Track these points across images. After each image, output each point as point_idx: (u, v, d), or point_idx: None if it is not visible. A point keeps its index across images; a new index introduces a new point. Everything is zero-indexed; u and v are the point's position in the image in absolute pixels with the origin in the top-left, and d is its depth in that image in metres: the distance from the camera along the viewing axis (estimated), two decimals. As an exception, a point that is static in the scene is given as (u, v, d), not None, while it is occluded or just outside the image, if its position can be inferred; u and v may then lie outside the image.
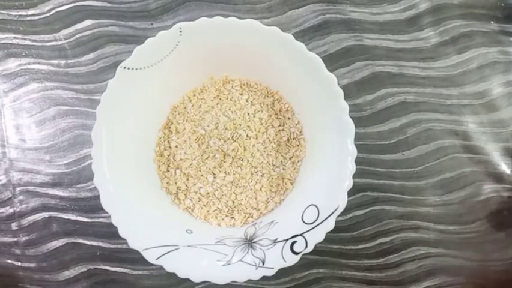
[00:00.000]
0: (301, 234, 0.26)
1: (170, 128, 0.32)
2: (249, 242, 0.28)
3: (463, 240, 0.33)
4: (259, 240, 0.27)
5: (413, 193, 0.33)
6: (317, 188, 0.28)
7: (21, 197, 0.34)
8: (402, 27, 0.35)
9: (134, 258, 0.32)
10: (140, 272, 0.33)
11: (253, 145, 0.31)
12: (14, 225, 0.34)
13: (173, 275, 0.25)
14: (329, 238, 0.26)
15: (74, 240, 0.33)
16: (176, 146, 0.31)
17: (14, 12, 0.36)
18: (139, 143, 0.30)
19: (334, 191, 0.26)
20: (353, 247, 0.33)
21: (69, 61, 0.35)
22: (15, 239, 0.34)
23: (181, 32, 0.28)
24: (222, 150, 0.31)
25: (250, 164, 0.31)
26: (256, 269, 0.26)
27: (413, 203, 0.33)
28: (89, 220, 0.33)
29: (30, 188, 0.34)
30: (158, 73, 0.29)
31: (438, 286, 0.32)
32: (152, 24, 0.35)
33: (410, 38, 0.35)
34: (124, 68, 0.28)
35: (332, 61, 0.34)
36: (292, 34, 0.27)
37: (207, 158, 0.31)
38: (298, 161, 0.31)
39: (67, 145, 0.34)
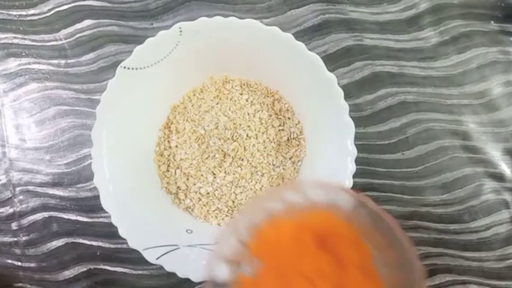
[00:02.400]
0: (301, 234, 0.26)
1: (170, 127, 0.32)
2: (249, 242, 0.28)
3: (463, 240, 0.32)
4: (259, 240, 0.27)
5: (413, 193, 0.33)
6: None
7: (21, 197, 0.34)
8: (402, 27, 0.35)
9: (134, 258, 0.32)
10: (140, 272, 0.33)
11: (253, 145, 0.31)
12: (14, 225, 0.34)
13: (173, 275, 0.25)
14: (329, 238, 0.26)
15: (74, 240, 0.33)
16: (176, 146, 0.31)
17: (14, 12, 0.36)
18: (139, 142, 0.30)
19: (334, 191, 0.26)
20: (353, 247, 0.33)
21: (69, 61, 0.35)
22: (15, 239, 0.34)
23: (181, 31, 0.28)
24: (222, 150, 0.31)
25: (250, 163, 0.31)
26: (256, 268, 0.26)
27: (413, 202, 0.33)
28: (89, 220, 0.33)
29: (30, 187, 0.34)
30: (158, 73, 0.29)
31: (438, 286, 0.32)
32: (152, 24, 0.35)
33: (410, 38, 0.35)
34: (124, 67, 0.28)
35: (332, 61, 0.34)
36: (292, 34, 0.27)
37: (207, 158, 0.31)
38: (298, 161, 0.31)
39: (66, 145, 0.34)
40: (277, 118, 0.31)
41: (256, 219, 0.21)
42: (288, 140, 0.31)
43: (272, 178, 0.31)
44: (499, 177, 0.33)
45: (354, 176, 0.26)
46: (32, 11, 0.36)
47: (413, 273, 0.18)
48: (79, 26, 0.35)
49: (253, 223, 0.21)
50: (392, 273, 0.20)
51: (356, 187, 0.32)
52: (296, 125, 0.31)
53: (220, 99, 0.32)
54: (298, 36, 0.34)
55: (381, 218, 0.19)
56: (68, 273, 0.33)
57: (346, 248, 0.19)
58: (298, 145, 0.31)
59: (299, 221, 0.20)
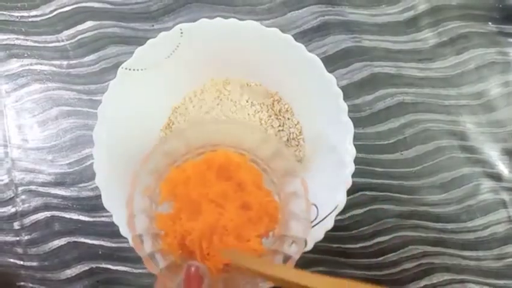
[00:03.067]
0: (300, 233, 0.26)
1: (171, 128, 0.32)
2: (249, 241, 0.28)
3: (461, 239, 0.33)
4: (259, 239, 0.28)
5: (411, 192, 0.33)
6: (316, 187, 0.28)
7: (23, 197, 0.34)
8: (401, 28, 0.35)
9: (136, 256, 0.32)
10: (141, 271, 0.33)
11: (253, 145, 0.31)
12: (16, 225, 0.34)
13: (174, 273, 0.26)
14: (328, 237, 0.26)
15: (76, 239, 0.33)
16: (177, 146, 0.32)
17: (16, 13, 0.36)
18: (140, 143, 0.30)
19: (333, 190, 0.26)
20: (351, 246, 0.33)
21: (71, 62, 0.35)
22: (18, 238, 0.34)
23: (181, 33, 0.28)
24: (222, 150, 0.31)
25: (250, 163, 0.31)
26: (256, 267, 0.26)
27: (411, 202, 0.33)
28: (90, 219, 0.34)
29: (33, 187, 0.34)
30: (159, 74, 0.29)
31: (436, 285, 0.32)
32: (153, 25, 0.36)
33: (409, 39, 0.35)
34: (125, 68, 0.28)
35: (331, 62, 0.34)
36: (292, 35, 0.28)
37: (207, 158, 0.31)
38: (298, 161, 0.31)
39: (68, 145, 0.34)
40: (276, 119, 0.32)
41: (160, 167, 0.24)
42: (287, 140, 0.31)
43: (272, 178, 0.31)
44: (496, 177, 0.33)
45: (353, 176, 0.26)
46: (34, 12, 0.36)
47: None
48: (80, 27, 0.36)
49: (158, 171, 0.24)
50: (277, 188, 0.24)
51: (355, 187, 0.32)
52: (296, 125, 0.32)
53: (220, 100, 0.32)
54: (298, 37, 0.34)
55: (267, 139, 0.24)
56: (70, 272, 0.33)
57: (242, 173, 0.23)
58: (297, 145, 0.31)
59: (199, 160, 0.23)
